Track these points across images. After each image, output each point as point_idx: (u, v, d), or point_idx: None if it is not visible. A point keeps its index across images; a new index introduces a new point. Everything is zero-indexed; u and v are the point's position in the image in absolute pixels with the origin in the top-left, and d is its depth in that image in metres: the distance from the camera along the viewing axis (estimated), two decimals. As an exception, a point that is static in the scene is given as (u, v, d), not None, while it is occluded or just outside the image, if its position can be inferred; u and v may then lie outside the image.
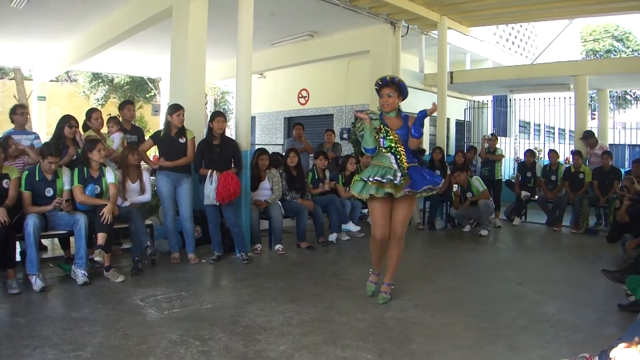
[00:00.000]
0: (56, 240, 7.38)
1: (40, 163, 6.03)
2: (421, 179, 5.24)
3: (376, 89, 5.36)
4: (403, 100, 5.35)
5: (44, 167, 5.97)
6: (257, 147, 9.99)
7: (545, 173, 11.20)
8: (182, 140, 7.08)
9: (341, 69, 16.38)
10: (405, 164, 5.21)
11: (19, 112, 7.11)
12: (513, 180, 11.88)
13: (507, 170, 15.26)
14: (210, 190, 6.91)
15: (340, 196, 8.94)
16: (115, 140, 7.42)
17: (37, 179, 5.96)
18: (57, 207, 5.92)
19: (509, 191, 11.62)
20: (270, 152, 8.58)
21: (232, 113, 25.34)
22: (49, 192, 6.00)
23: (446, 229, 10.45)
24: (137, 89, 27.23)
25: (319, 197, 8.70)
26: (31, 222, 5.57)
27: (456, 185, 10.00)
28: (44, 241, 7.27)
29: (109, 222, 5.98)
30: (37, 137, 7.27)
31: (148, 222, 7.09)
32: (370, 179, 5.12)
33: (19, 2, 9.98)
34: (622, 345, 2.91)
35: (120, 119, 7.72)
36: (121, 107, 7.98)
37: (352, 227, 8.71)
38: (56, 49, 14.95)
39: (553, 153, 11.27)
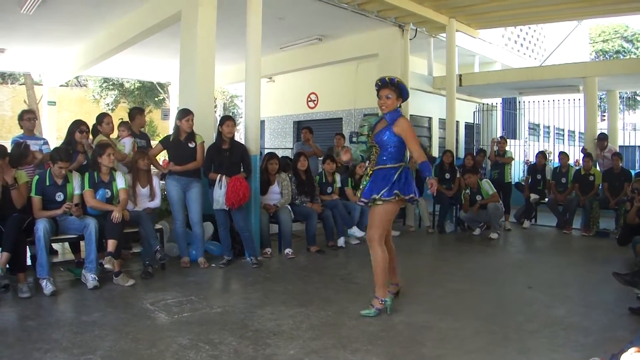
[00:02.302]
0: (66, 244, 7.40)
1: (50, 167, 6.06)
2: (374, 187, 5.02)
3: (376, 90, 5.22)
4: (403, 101, 5.20)
5: (54, 172, 6.00)
6: (266, 151, 10.00)
7: (555, 175, 11.14)
8: (191, 145, 7.10)
9: (350, 72, 16.39)
10: (370, 168, 5.16)
11: (26, 118, 7.19)
12: (523, 183, 11.84)
13: (516, 172, 15.21)
14: (219, 194, 6.93)
15: (350, 200, 8.94)
16: (127, 144, 7.47)
17: (47, 183, 5.99)
18: (67, 211, 5.94)
19: (519, 194, 11.58)
20: (279, 156, 8.60)
21: (241, 117, 25.40)
22: (60, 196, 6.03)
23: (456, 232, 10.43)
24: (146, 94, 27.33)
25: (325, 202, 8.68)
26: (41, 227, 5.61)
27: (468, 190, 9.96)
28: (55, 245, 7.32)
29: (118, 222, 6.02)
30: (46, 143, 7.33)
31: (158, 226, 7.11)
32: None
33: (29, 7, 10.04)
34: (632, 349, 2.89)
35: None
36: (134, 114, 8.01)
37: (357, 232, 8.69)
38: (66, 54, 15.03)
39: (563, 155, 11.20)
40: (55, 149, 6.48)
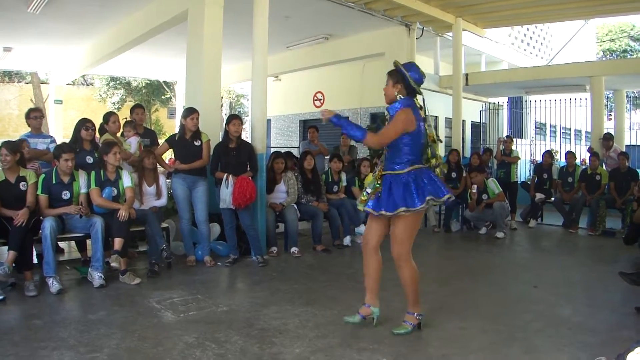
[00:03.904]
0: (73, 242, 7.43)
1: (56, 166, 6.08)
2: (399, 196, 4.33)
3: None
4: (408, 88, 4.48)
5: (60, 167, 6.01)
6: (272, 149, 10.00)
7: (562, 175, 11.13)
8: (197, 143, 7.11)
9: (356, 71, 16.37)
10: (381, 170, 4.51)
11: (32, 116, 7.25)
12: (529, 182, 11.83)
13: (523, 172, 15.19)
14: (226, 194, 6.93)
15: (356, 199, 8.93)
16: (133, 144, 7.48)
17: (53, 182, 6.01)
18: (78, 212, 5.97)
19: (525, 193, 11.56)
20: (284, 152, 8.62)
21: (247, 116, 25.43)
22: (66, 195, 6.05)
23: (462, 231, 10.42)
24: (153, 93, 27.37)
25: (331, 201, 8.67)
26: (48, 225, 5.63)
27: (475, 186, 9.93)
28: (61, 244, 7.32)
29: (125, 220, 6.04)
30: (54, 141, 7.36)
31: (164, 225, 7.12)
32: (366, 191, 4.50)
33: (35, 7, 10.06)
34: (638, 348, 2.89)
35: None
36: (131, 111, 8.07)
37: (364, 230, 8.70)
38: (72, 52, 15.06)
39: (570, 154, 11.19)
40: (57, 145, 6.54)
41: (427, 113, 4.55)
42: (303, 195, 8.32)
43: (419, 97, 4.56)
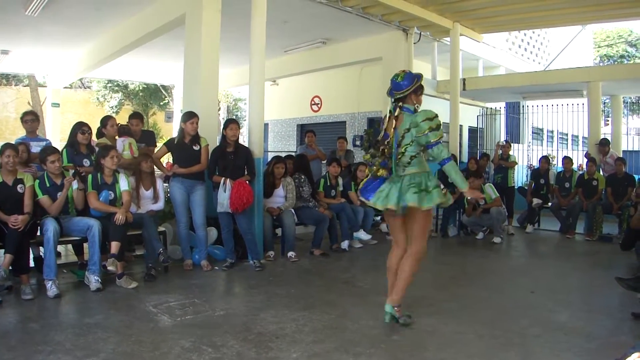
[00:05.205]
0: (70, 246, 7.42)
1: (46, 171, 6.08)
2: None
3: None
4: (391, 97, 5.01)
5: (49, 169, 6.02)
6: (269, 154, 10.01)
7: (559, 180, 11.15)
8: (196, 148, 7.11)
9: (354, 76, 16.38)
10: None
11: (26, 119, 7.31)
12: (526, 187, 11.84)
13: (520, 177, 15.20)
14: (223, 198, 6.93)
15: (353, 203, 8.94)
16: (118, 146, 7.43)
17: (47, 185, 6.01)
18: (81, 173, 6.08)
19: (522, 198, 11.58)
20: (285, 156, 8.67)
21: (245, 120, 25.41)
22: (60, 195, 6.04)
23: (459, 236, 10.42)
24: (151, 96, 27.35)
25: (331, 205, 8.68)
26: (51, 228, 5.62)
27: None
28: (58, 247, 7.30)
29: (122, 224, 6.02)
30: (49, 144, 7.34)
31: (161, 228, 7.11)
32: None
33: (33, 9, 10.05)
34: (635, 354, 2.89)
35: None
36: (128, 119, 8.09)
37: (363, 235, 8.71)
38: (70, 55, 15.04)
39: (567, 160, 11.21)
40: (41, 149, 6.47)
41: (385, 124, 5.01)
42: (311, 199, 8.37)
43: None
